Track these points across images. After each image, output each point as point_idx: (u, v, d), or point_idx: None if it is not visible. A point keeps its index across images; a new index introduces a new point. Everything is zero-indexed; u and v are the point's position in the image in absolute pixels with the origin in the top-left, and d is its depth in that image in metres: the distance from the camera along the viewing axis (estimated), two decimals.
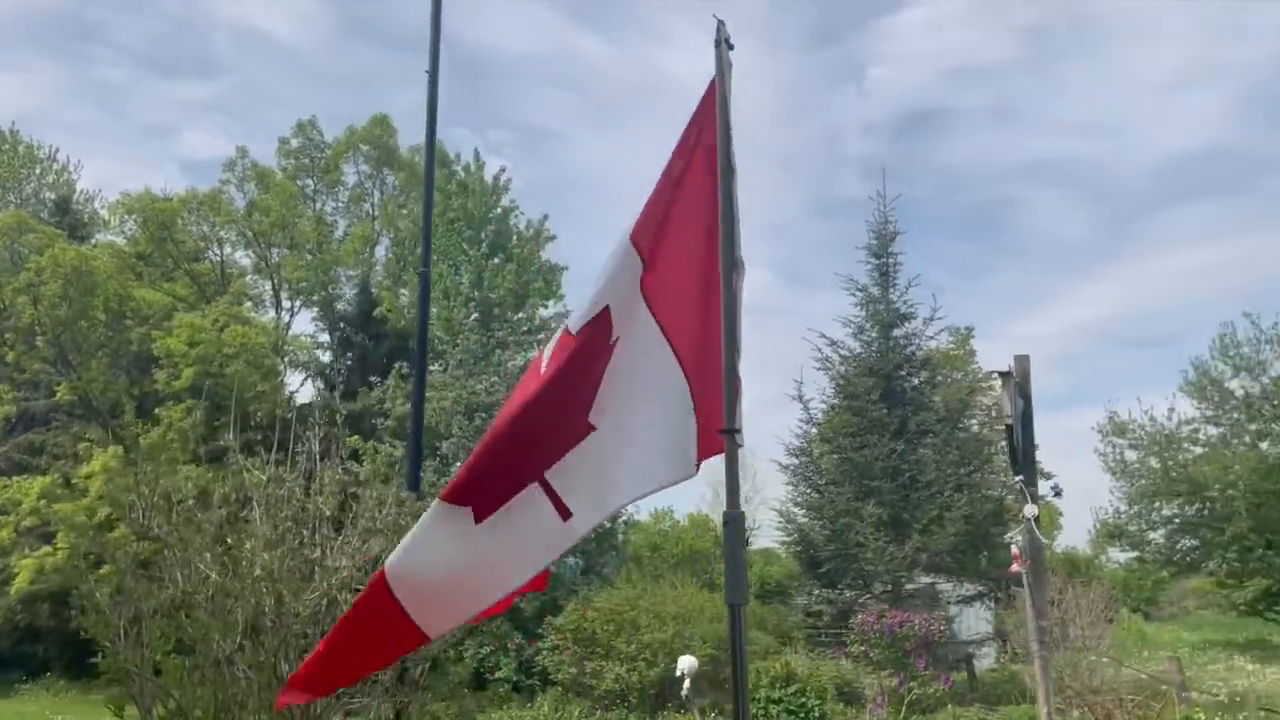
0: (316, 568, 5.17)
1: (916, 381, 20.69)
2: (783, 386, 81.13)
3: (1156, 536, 27.84)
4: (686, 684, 11.45)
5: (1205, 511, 26.38)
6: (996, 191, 76.77)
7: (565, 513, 3.40)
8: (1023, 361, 10.86)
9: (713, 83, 3.17)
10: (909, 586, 19.46)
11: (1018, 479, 11.01)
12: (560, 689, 17.56)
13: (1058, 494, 20.75)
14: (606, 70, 64.87)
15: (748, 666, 2.92)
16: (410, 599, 3.34)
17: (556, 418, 3.41)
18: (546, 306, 26.04)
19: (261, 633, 5.19)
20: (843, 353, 21.37)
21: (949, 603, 20.75)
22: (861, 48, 74.57)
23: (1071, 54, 75.90)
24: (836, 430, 20.46)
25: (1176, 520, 27.26)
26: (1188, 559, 28.36)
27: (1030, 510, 12.16)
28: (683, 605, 18.77)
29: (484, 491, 3.38)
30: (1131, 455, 27.46)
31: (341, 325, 28.36)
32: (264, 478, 5.30)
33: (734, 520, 2.93)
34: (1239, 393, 26.74)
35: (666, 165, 3.28)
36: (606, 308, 3.32)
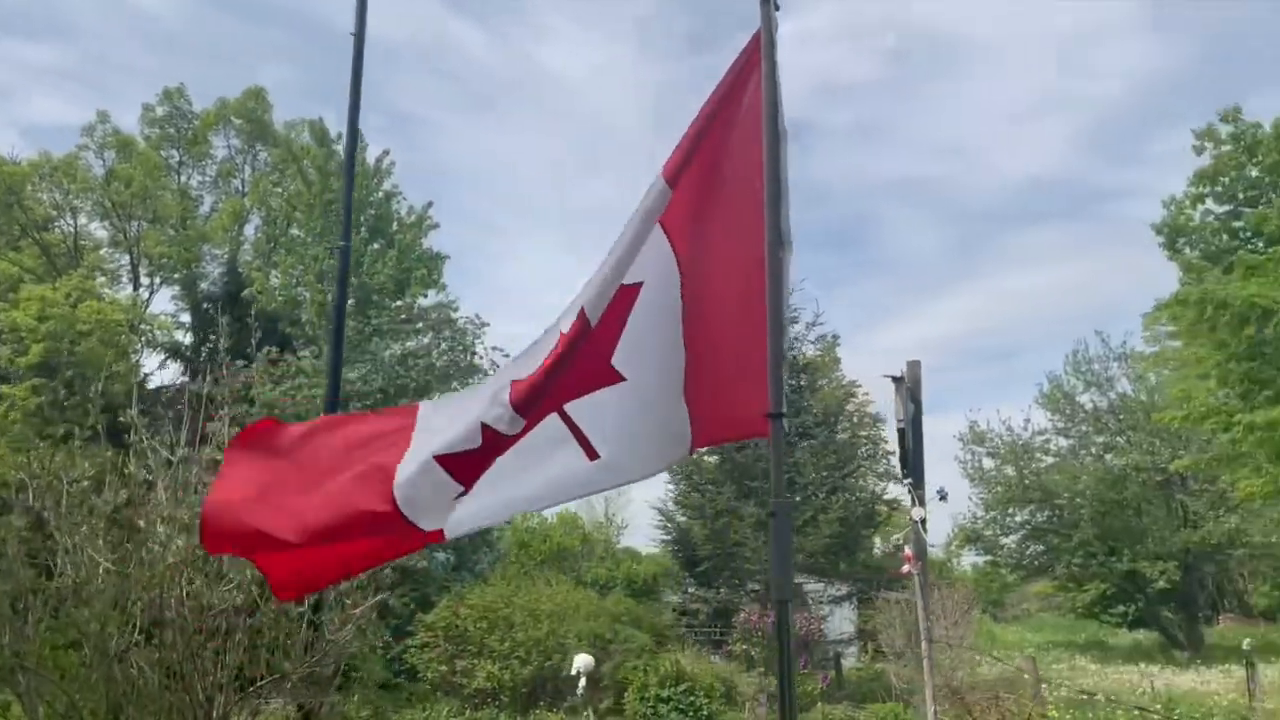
0: (229, 559, 4.78)
1: (797, 385, 21.05)
2: None
3: (1009, 541, 29.22)
4: (582, 683, 11.27)
5: (1055, 518, 27.82)
6: (860, 207, 79.49)
7: (592, 453, 3.39)
8: (914, 367, 11.06)
9: (756, 43, 2.99)
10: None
11: (907, 481, 11.28)
12: (428, 687, 17.12)
13: (943, 498, 21.35)
14: (482, 60, 64.00)
15: (793, 666, 2.75)
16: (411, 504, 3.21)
17: (586, 353, 3.37)
18: (426, 295, 25.43)
19: (165, 626, 4.77)
20: None
21: (818, 603, 21.19)
22: (732, 58, 75.77)
23: (933, 78, 79.19)
24: None
25: (1028, 526, 28.67)
26: (1035, 563, 29.86)
27: (918, 513, 12.55)
28: (558, 603, 18.59)
29: (528, 406, 3.30)
30: (989, 463, 28.77)
31: (205, 305, 26.96)
32: (172, 459, 4.87)
33: (782, 510, 2.77)
34: (1088, 406, 28.34)
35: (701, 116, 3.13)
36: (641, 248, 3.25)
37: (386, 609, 19.25)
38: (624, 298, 3.31)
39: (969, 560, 34.53)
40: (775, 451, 2.82)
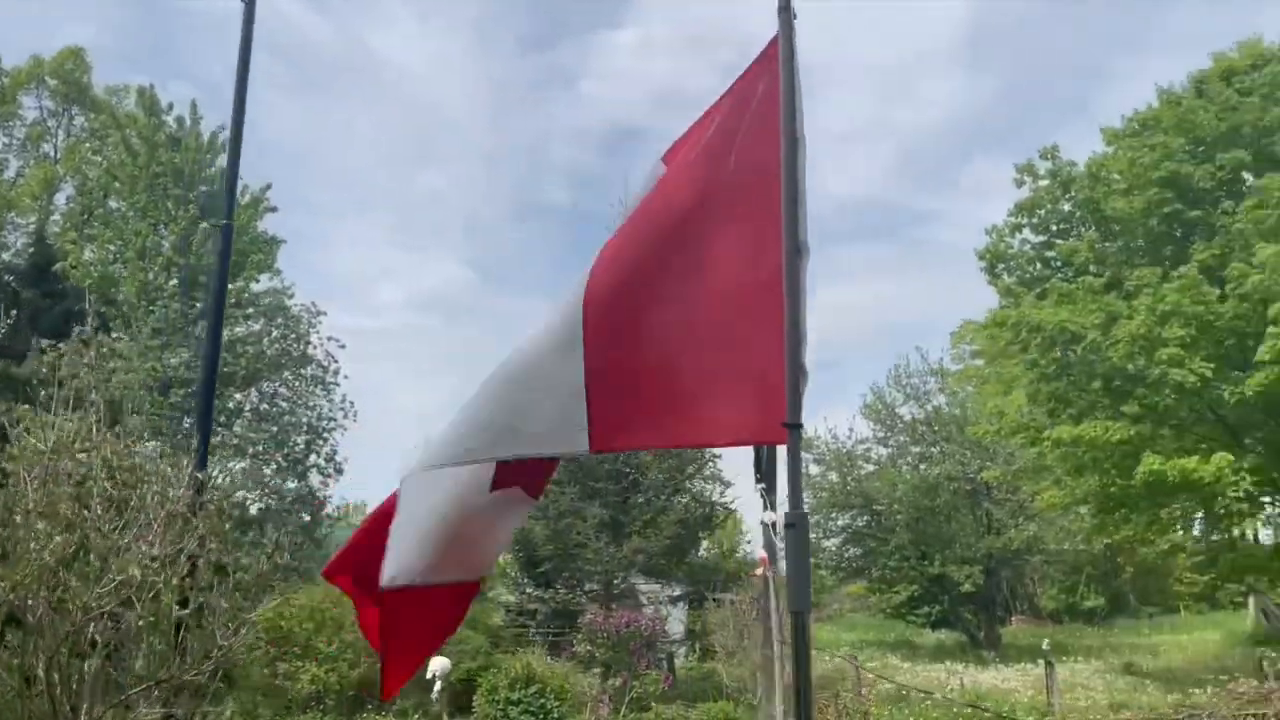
0: (109, 556, 4.43)
1: None
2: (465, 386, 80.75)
3: (830, 544, 30.52)
4: (438, 686, 11.01)
5: (873, 523, 29.26)
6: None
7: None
8: None
9: (772, 48, 2.97)
10: (621, 587, 19.94)
11: (760, 485, 11.60)
12: (248, 691, 16.31)
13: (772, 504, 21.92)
14: (316, 40, 61.60)
15: (811, 679, 2.75)
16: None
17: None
18: (259, 280, 24.27)
19: (29, 632, 4.38)
20: None
21: (654, 603, 21.48)
22: (574, 59, 76.13)
23: None
24: None
25: (848, 530, 30.05)
26: (853, 565, 31.32)
27: (769, 516, 12.97)
28: None
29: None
30: (815, 469, 29.96)
31: (7, 278, 24.73)
32: (43, 446, 4.47)
33: (798, 522, 2.76)
34: (907, 418, 29.97)
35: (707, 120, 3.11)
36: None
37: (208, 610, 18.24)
38: None
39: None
40: (792, 462, 2.82)
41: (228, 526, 5.30)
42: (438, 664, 11.42)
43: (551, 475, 3.52)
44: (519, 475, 3.49)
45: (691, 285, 3.00)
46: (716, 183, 2.98)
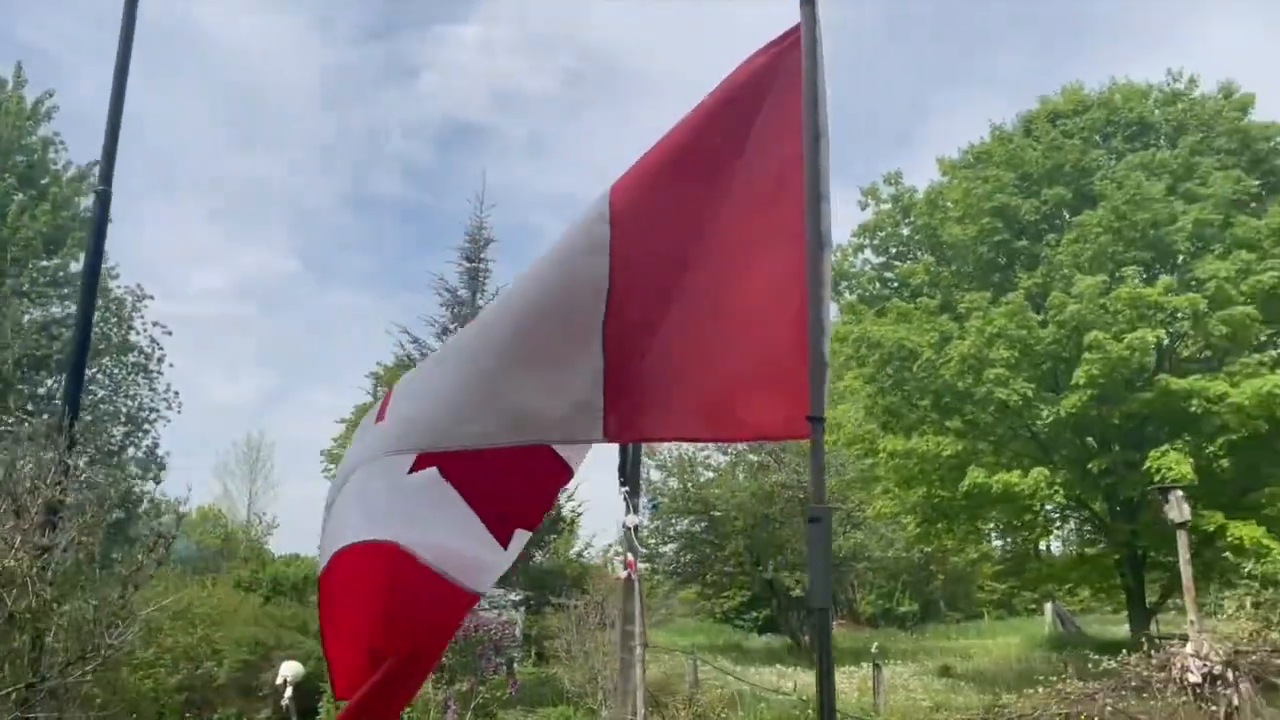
0: None
1: None
2: (302, 377, 77.67)
3: (668, 549, 30.97)
4: (289, 692, 10.46)
5: (710, 529, 29.86)
6: (525, 217, 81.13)
7: (383, 413, 3.40)
8: None
9: (793, 41, 2.92)
10: None
11: (624, 489, 11.64)
12: (53, 699, 15.11)
13: (655, 507, 22.06)
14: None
15: (834, 679, 2.70)
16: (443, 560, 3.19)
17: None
18: (79, 260, 22.57)
19: None
20: (425, 352, 21.05)
21: (495, 607, 21.18)
22: (416, 51, 74.80)
23: (601, 102, 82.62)
24: None
25: (686, 535, 30.57)
26: (689, 570, 31.87)
27: (632, 520, 13.00)
28: (213, 605, 17.24)
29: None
30: (657, 475, 30.35)
31: None
32: None
33: (821, 517, 2.70)
34: None
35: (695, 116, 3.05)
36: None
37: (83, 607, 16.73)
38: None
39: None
40: (815, 456, 2.78)
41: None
42: (289, 668, 10.88)
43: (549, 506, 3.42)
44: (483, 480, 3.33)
45: (712, 275, 2.95)
46: (736, 174, 2.94)
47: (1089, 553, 25.54)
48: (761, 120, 2.90)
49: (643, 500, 13.09)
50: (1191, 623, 11.13)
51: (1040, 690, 11.52)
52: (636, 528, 12.89)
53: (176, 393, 21.98)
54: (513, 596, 21.97)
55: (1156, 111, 22.51)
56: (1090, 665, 17.86)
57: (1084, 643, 28.59)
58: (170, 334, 21.88)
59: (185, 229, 67.46)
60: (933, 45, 79.68)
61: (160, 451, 21.87)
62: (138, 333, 21.24)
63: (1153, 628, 24.24)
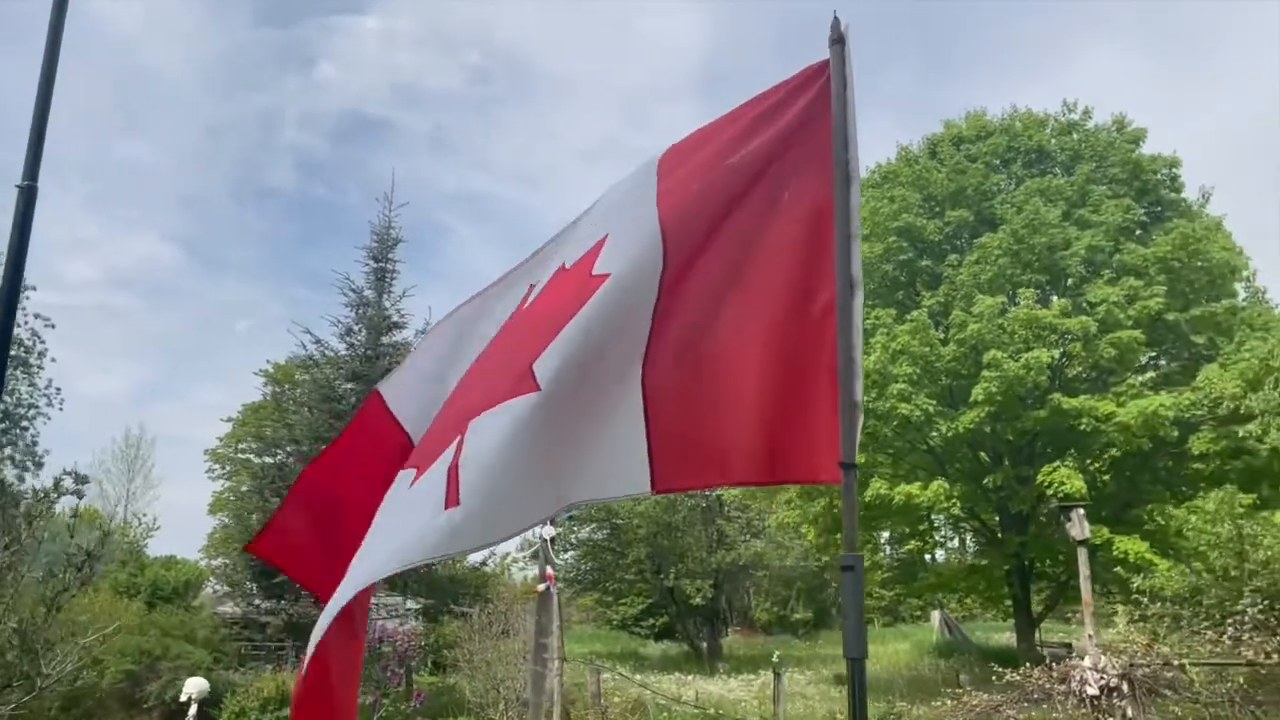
0: None
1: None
2: (187, 373, 74.80)
3: (568, 557, 30.77)
4: (193, 710, 9.95)
5: (613, 537, 29.78)
6: (427, 215, 79.95)
7: (454, 498, 2.74)
8: None
9: (819, 79, 2.87)
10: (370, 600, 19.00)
11: None
12: None
13: (570, 517, 21.84)
14: None
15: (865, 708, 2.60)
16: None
17: (507, 358, 2.92)
18: None
19: None
20: (328, 353, 20.46)
21: (394, 616, 20.71)
22: (315, 40, 73.04)
23: (511, 103, 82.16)
24: (310, 435, 19.40)
25: (588, 544, 30.42)
26: (589, 578, 31.74)
27: (549, 531, 12.87)
28: (95, 613, 16.44)
29: (427, 454, 2.88)
30: None
31: None
32: None
33: (853, 564, 2.60)
34: None
35: (729, 132, 2.97)
36: (606, 236, 2.95)
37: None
38: (579, 284, 2.92)
39: (527, 574, 35.62)
40: (848, 502, 2.70)
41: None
42: (194, 685, 10.37)
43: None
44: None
45: (745, 317, 2.86)
46: (769, 213, 2.86)
47: (980, 563, 26.35)
48: (793, 160, 2.83)
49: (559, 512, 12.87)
50: (1090, 637, 11.55)
51: (947, 702, 11.79)
52: (553, 539, 12.74)
53: (59, 389, 20.84)
54: (411, 604, 21.52)
55: (1053, 140, 23.44)
56: (978, 672, 18.38)
57: (970, 650, 29.56)
58: (53, 327, 20.74)
59: (63, 216, 64.21)
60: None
61: (39, 450, 20.69)
62: (19, 324, 20.04)
63: (1036, 636, 25.22)
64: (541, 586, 9.72)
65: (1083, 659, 11.39)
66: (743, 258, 2.87)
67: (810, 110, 2.83)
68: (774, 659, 21.58)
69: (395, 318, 20.87)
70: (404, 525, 2.85)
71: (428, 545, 2.78)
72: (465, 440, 2.87)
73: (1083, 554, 12.32)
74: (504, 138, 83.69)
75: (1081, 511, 12.27)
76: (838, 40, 2.81)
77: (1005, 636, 35.82)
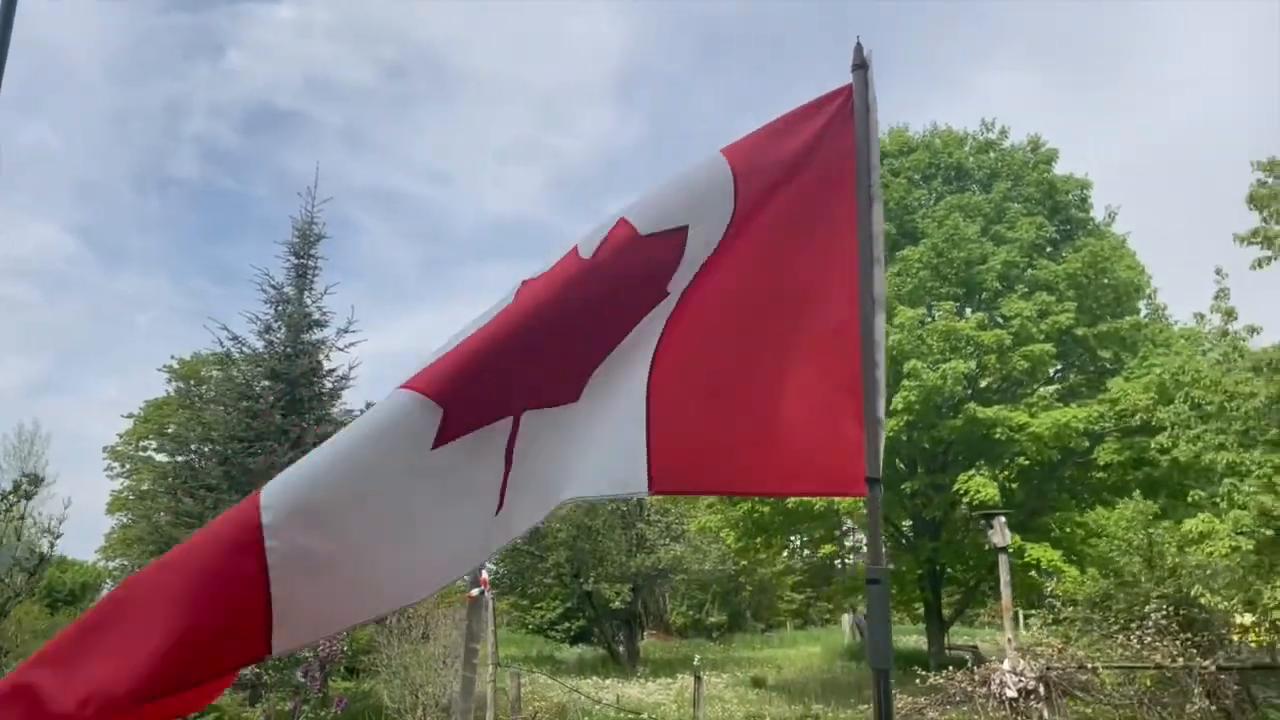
0: None
1: (323, 391, 20.06)
2: (84, 366, 71.93)
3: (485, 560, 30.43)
4: None
5: (533, 540, 29.61)
6: (338, 211, 78.55)
7: (501, 503, 2.70)
8: None
9: (840, 104, 2.91)
10: None
11: None
12: None
13: None
14: None
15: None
16: (285, 564, 2.28)
17: (569, 343, 2.74)
18: None
19: None
20: (245, 350, 19.89)
21: None
22: (225, 26, 71.21)
23: (427, 99, 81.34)
24: (226, 433, 18.83)
25: (508, 546, 30.13)
26: (506, 582, 31.48)
27: None
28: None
29: (462, 396, 2.53)
30: None
31: None
32: None
33: (879, 578, 2.63)
34: None
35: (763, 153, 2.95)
36: (685, 228, 2.81)
37: None
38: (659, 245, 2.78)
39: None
40: (872, 517, 2.73)
41: None
42: None
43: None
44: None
45: (764, 331, 2.88)
46: (790, 231, 2.90)
47: (894, 568, 26.94)
48: (815, 181, 2.88)
49: None
50: (1010, 641, 11.92)
51: (870, 706, 12.01)
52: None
53: None
54: None
55: (972, 158, 24.17)
56: (895, 675, 18.75)
57: None
58: None
59: None
60: (745, 77, 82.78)
61: None
62: None
63: (945, 639, 25.91)
64: (475, 592, 9.63)
65: (1002, 662, 11.76)
66: (763, 272, 2.91)
67: (831, 133, 2.89)
68: (694, 662, 21.75)
69: (316, 315, 20.41)
70: (455, 522, 2.68)
71: (487, 549, 2.79)
72: (517, 444, 2.73)
73: (1004, 560, 12.72)
74: (419, 134, 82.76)
75: (1003, 519, 12.68)
76: (860, 65, 2.88)
77: (911, 639, 36.71)
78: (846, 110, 2.88)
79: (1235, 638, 13.20)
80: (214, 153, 76.47)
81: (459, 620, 20.20)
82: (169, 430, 36.94)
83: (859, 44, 2.89)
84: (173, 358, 42.65)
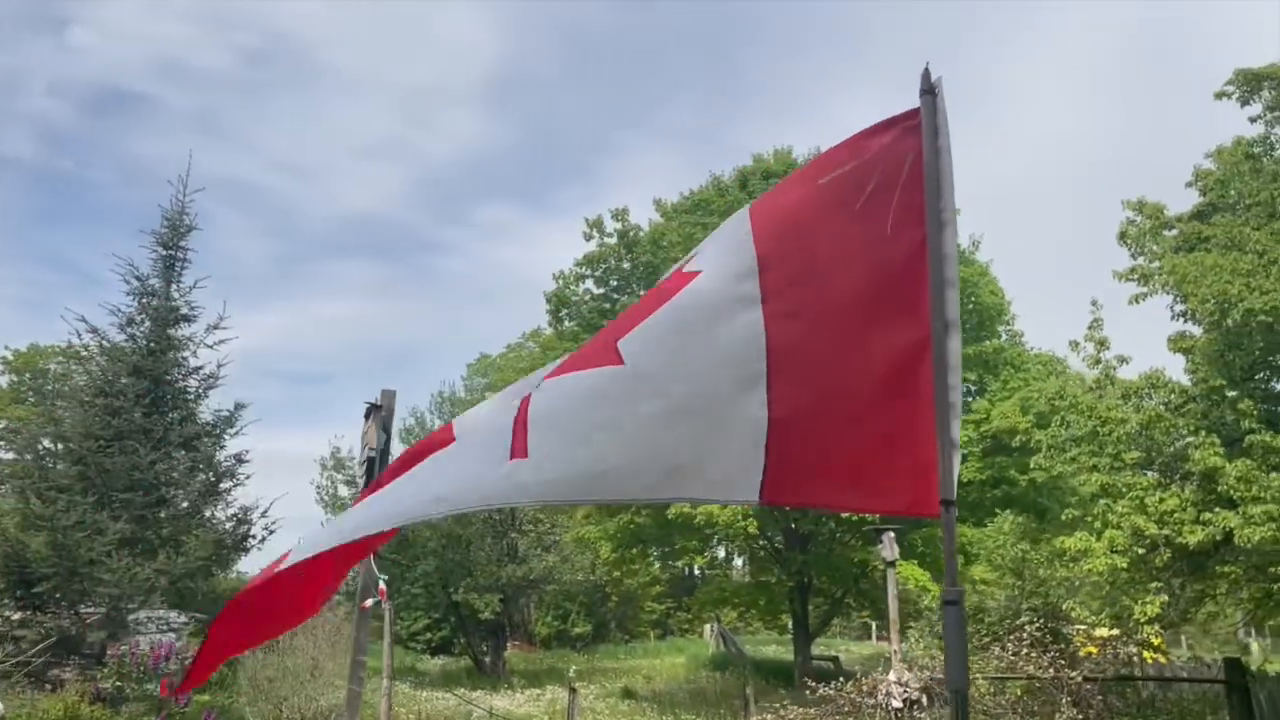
0: None
1: (188, 389, 19.03)
2: None
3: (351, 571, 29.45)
4: None
5: (401, 549, 28.85)
6: (187, 197, 74.91)
7: (520, 449, 2.84)
8: (390, 397, 10.98)
9: (910, 126, 2.94)
10: (135, 612, 17.46)
11: None
12: None
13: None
14: None
15: None
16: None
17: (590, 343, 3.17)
18: None
19: None
20: (105, 344, 18.66)
21: (163, 632, 19.13)
22: (68, 2, 67.41)
23: (287, 88, 78.80)
24: (82, 430, 17.60)
25: (375, 555, 29.22)
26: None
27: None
28: None
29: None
30: (346, 491, 28.94)
31: None
32: None
33: (955, 600, 2.62)
34: None
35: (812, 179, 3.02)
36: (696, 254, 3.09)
37: None
38: (672, 283, 3.04)
39: None
40: (948, 538, 2.72)
41: None
42: None
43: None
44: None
45: (850, 346, 2.90)
46: (869, 250, 2.93)
47: (764, 579, 27.48)
48: (888, 203, 2.92)
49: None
50: (895, 652, 12.30)
51: (768, 716, 12.20)
52: (377, 553, 12.17)
53: None
54: (181, 619, 19.96)
55: None
56: (762, 684, 19.13)
57: (745, 663, 30.70)
58: None
59: None
60: (610, 92, 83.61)
61: None
62: None
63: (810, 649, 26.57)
64: (369, 602, 9.30)
65: (888, 673, 12.11)
66: (848, 288, 2.95)
67: (901, 156, 2.93)
68: (569, 674, 21.61)
69: (185, 310, 19.36)
70: (453, 473, 2.98)
71: (484, 494, 2.98)
72: (532, 400, 2.96)
73: (891, 575, 13.13)
74: (276, 125, 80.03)
75: (892, 534, 13.09)
76: (928, 91, 2.91)
77: (771, 649, 37.50)
78: (916, 133, 2.91)
79: (1093, 650, 14.00)
80: (53, 133, 71.84)
81: (329, 633, 19.56)
82: (2, 425, 34.40)
83: (926, 70, 2.93)
84: (7, 348, 39.82)
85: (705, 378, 2.89)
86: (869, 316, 2.91)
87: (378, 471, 11.01)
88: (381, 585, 11.34)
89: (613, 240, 23.80)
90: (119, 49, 71.76)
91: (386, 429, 10.96)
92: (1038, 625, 12.86)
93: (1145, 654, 14.63)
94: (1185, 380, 12.70)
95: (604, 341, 3.03)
